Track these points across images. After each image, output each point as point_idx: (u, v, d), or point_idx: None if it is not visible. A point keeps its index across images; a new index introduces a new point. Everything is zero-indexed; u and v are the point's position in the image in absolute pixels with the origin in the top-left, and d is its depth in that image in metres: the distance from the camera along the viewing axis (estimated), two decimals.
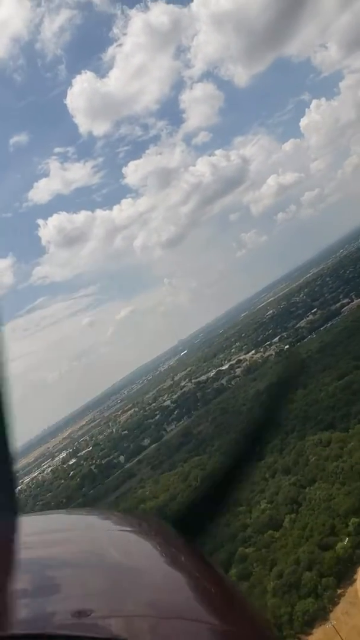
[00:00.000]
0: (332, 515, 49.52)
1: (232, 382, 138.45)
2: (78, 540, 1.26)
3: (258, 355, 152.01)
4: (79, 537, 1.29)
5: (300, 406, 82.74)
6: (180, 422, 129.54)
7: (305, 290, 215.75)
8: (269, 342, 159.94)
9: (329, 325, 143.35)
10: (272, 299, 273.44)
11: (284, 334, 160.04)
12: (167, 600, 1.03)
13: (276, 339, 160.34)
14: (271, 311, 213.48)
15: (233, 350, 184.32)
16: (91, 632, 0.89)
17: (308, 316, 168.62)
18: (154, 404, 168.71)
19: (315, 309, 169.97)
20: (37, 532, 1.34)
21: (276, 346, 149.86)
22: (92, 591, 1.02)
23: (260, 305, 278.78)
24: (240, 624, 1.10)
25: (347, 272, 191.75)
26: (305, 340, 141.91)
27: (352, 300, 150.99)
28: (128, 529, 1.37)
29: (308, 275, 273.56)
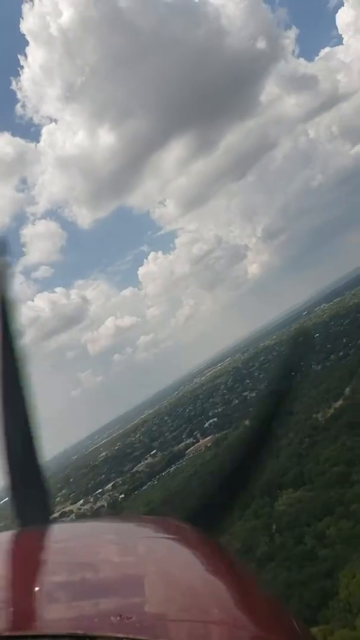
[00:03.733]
0: None
1: None
2: (118, 547, 1.25)
3: (87, 506, 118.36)
4: (118, 543, 1.27)
5: None
6: None
7: (142, 429, 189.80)
8: (100, 490, 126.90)
9: (172, 469, 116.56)
10: (106, 440, 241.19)
11: (119, 480, 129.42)
12: (207, 606, 1.01)
13: (109, 485, 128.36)
14: (104, 453, 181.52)
15: (58, 499, 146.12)
16: (132, 635, 0.87)
17: (147, 458, 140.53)
18: None
19: (154, 450, 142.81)
20: (78, 537, 1.33)
21: (109, 495, 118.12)
22: (133, 595, 1.00)
23: (93, 447, 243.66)
24: (281, 631, 1.07)
25: (187, 410, 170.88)
26: (144, 487, 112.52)
27: (198, 440, 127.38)
28: (166, 535, 1.35)
29: (143, 415, 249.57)
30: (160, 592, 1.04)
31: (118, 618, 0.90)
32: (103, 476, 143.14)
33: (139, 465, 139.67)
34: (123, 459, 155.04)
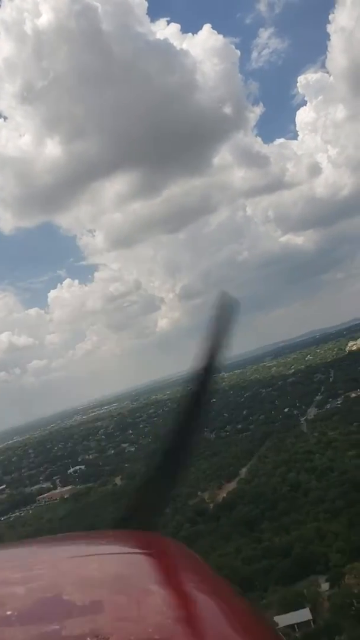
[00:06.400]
0: None
1: None
2: (91, 563, 1.18)
3: None
4: (91, 559, 1.21)
5: None
6: None
7: (1, 457, 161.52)
8: None
9: (14, 515, 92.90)
10: None
11: None
12: (187, 623, 0.96)
13: None
14: None
15: None
16: None
17: None
18: None
19: (4, 486, 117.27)
20: (50, 555, 1.27)
21: None
22: (110, 614, 0.95)
23: None
24: None
25: (55, 448, 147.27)
26: None
27: (56, 487, 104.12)
28: (142, 549, 1.28)
29: (11, 441, 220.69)
30: (138, 610, 0.98)
31: (95, 639, 0.86)
32: None
33: None
34: None
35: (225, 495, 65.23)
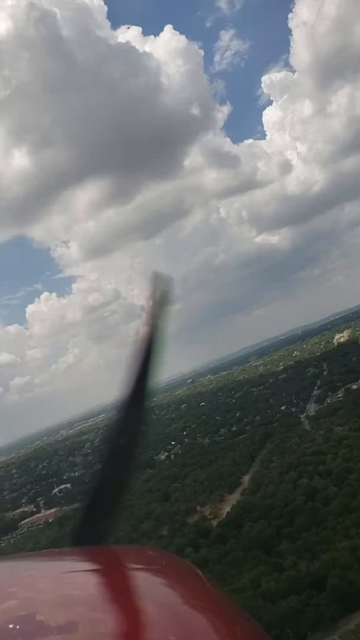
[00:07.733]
0: None
1: None
2: (97, 578, 1.15)
3: None
4: (96, 574, 1.17)
5: None
6: None
7: None
8: None
9: None
10: None
11: None
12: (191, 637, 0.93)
13: None
14: None
15: None
16: None
17: None
18: None
19: None
20: (56, 569, 1.23)
21: None
22: (89, 633, 0.92)
23: None
24: None
25: (40, 466, 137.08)
26: None
27: (39, 511, 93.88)
28: (146, 565, 1.25)
29: None
30: (144, 624, 0.96)
31: None
32: None
33: None
34: None
35: (229, 509, 56.14)
